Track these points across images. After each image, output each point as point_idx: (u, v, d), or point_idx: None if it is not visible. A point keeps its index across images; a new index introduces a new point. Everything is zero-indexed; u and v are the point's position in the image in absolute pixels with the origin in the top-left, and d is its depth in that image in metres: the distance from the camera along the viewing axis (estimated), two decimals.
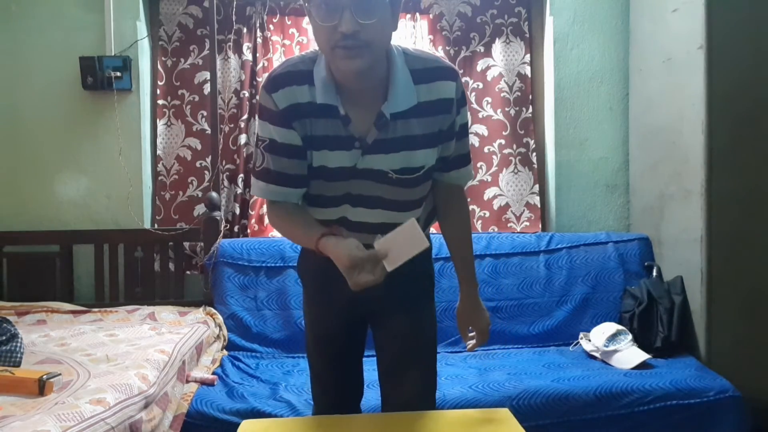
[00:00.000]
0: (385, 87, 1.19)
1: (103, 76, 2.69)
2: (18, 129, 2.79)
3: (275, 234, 2.85)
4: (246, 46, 2.83)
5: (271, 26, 2.88)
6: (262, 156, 1.24)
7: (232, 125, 2.86)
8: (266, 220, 2.85)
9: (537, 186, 2.91)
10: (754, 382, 2.09)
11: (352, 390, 1.52)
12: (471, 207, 2.91)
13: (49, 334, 2.09)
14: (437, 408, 1.84)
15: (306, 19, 2.88)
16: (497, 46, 2.91)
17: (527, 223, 2.91)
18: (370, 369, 2.17)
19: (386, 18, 1.12)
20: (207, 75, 2.81)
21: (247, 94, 2.83)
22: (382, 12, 1.10)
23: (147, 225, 2.80)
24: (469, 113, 1.29)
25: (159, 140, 2.87)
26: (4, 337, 1.78)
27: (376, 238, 1.15)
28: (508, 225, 2.91)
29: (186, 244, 2.75)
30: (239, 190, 2.84)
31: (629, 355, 2.19)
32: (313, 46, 2.85)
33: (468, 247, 1.44)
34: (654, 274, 2.53)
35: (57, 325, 2.28)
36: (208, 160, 2.80)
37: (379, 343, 1.45)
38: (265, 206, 2.84)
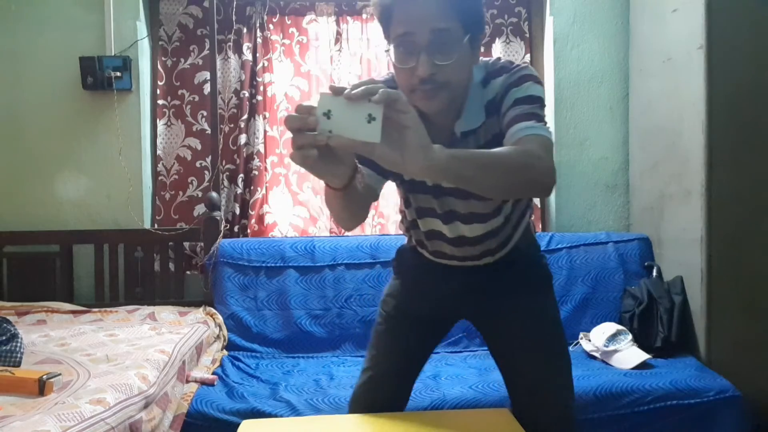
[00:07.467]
0: (459, 105, 1.18)
1: (103, 76, 2.68)
2: (18, 129, 2.79)
3: (275, 234, 2.86)
4: (246, 46, 2.83)
5: (271, 26, 2.88)
6: None
7: (232, 125, 2.86)
8: (266, 220, 2.85)
9: None
10: (754, 382, 2.09)
11: (402, 396, 1.42)
12: None
13: (49, 334, 2.08)
14: (437, 408, 1.84)
15: (306, 18, 2.90)
16: (497, 46, 2.91)
17: None
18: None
19: (465, 56, 1.10)
20: (207, 75, 2.81)
21: (247, 94, 2.83)
22: (459, 51, 1.07)
23: (147, 225, 2.80)
24: (525, 90, 1.15)
25: (159, 140, 2.87)
26: (4, 337, 1.78)
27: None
28: None
29: (186, 244, 2.75)
30: (239, 190, 2.84)
31: (629, 355, 2.19)
32: (314, 47, 2.88)
33: (487, 154, 1.03)
34: (654, 274, 2.53)
35: (57, 325, 2.27)
36: (208, 160, 2.80)
37: (499, 350, 1.41)
38: (264, 206, 2.85)
